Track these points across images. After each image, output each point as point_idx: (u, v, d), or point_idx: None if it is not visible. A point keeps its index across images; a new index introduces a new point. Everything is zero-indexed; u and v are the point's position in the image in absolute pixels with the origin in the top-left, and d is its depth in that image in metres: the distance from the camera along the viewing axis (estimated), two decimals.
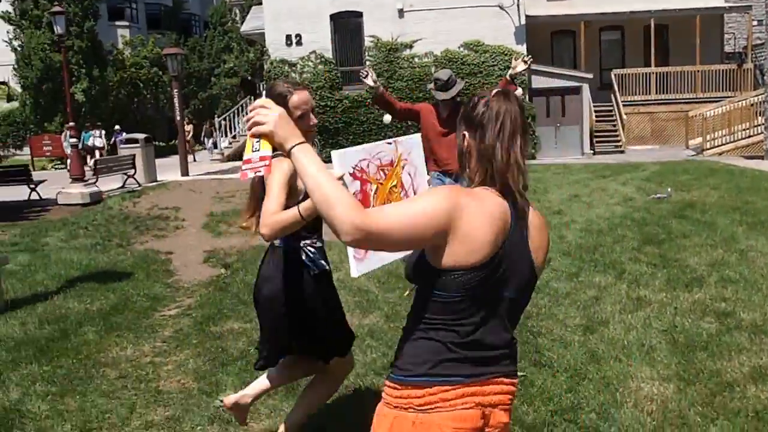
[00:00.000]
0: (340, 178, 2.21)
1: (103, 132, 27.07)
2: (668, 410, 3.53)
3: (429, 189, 2.21)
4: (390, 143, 2.72)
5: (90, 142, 26.31)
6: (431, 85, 6.01)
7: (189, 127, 25.25)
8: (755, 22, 25.78)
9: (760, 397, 3.58)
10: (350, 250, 2.26)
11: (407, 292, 5.56)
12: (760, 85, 23.03)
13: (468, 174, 1.96)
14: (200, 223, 10.40)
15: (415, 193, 2.69)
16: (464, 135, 1.95)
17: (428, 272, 1.80)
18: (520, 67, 5.73)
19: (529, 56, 5.96)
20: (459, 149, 1.99)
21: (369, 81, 5.73)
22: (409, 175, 2.77)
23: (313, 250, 3.03)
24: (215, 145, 29.46)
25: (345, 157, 2.51)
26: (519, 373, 3.93)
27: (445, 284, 1.78)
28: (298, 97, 2.90)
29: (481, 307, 1.80)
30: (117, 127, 27.93)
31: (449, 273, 1.76)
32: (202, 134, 30.40)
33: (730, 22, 28.36)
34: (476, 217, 1.75)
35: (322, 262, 3.06)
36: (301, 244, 2.99)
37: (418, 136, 2.79)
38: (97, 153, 25.39)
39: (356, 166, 2.59)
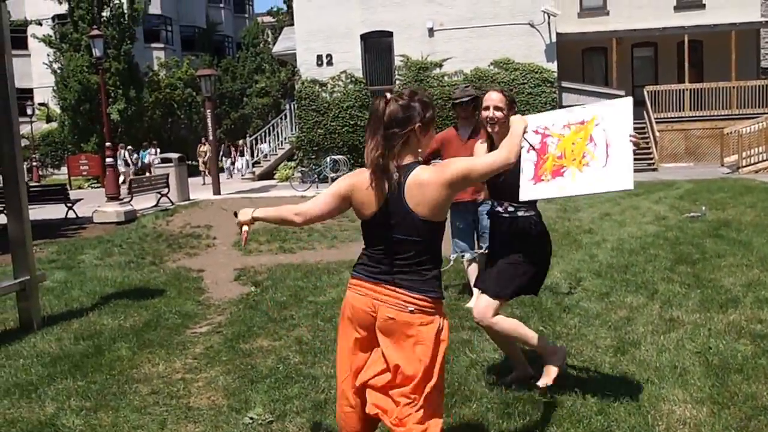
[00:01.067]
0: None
1: (157, 150, 27.63)
2: None
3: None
4: (584, 106, 3.43)
5: (147, 160, 26.95)
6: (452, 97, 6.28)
7: (205, 148, 25.40)
8: None
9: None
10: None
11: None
12: None
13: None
14: (231, 242, 10.51)
15: (607, 147, 3.30)
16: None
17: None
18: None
19: None
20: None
21: None
22: (604, 131, 3.34)
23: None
24: (233, 165, 29.70)
25: (535, 119, 3.45)
26: (548, 395, 3.92)
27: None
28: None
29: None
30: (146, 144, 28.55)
31: None
32: (220, 154, 29.75)
33: (767, 37, 27.99)
34: None
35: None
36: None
37: (627, 101, 3.36)
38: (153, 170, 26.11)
39: (540, 125, 3.45)
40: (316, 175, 20.74)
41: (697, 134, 23.50)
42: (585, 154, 3.32)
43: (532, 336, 3.92)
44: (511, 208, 4.04)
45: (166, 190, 16.49)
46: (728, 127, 22.02)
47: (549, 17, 21.84)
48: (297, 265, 8.30)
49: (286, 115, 26.74)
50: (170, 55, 40.61)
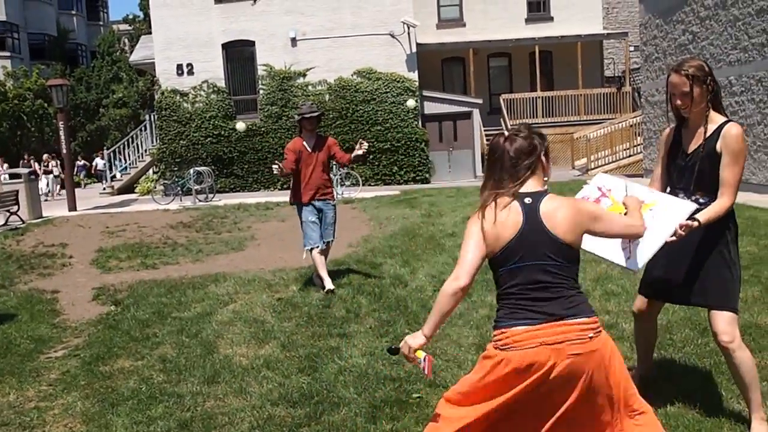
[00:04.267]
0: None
1: (5, 165, 25.92)
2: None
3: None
4: (653, 191, 3.48)
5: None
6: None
7: (50, 161, 24.28)
8: (632, 48, 27.43)
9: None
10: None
11: None
12: (638, 106, 24.44)
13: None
14: (89, 260, 10.03)
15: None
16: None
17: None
18: (360, 151, 6.97)
19: (365, 143, 7.06)
20: None
21: (274, 170, 6.84)
22: (653, 217, 3.32)
23: None
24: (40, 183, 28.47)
25: (601, 178, 3.58)
26: (414, 395, 4.02)
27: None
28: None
29: None
30: None
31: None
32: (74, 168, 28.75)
33: (609, 48, 30.07)
34: None
35: None
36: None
37: (688, 206, 3.36)
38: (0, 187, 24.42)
39: (605, 185, 3.54)
40: (179, 188, 20.15)
41: (549, 139, 24.66)
42: None
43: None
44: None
45: (15, 207, 15.46)
46: (577, 133, 23.45)
47: (409, 28, 22.39)
48: (160, 281, 8.03)
49: (146, 126, 25.83)
50: (17, 64, 38.23)
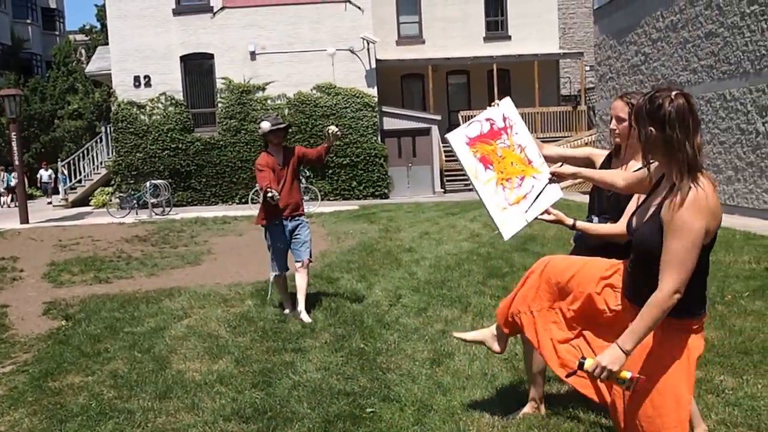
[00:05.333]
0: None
1: None
2: None
3: None
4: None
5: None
6: (265, 125, 6.52)
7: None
8: (587, 68, 27.99)
9: (590, 417, 3.84)
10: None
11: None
12: (593, 125, 24.92)
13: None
14: (40, 273, 9.83)
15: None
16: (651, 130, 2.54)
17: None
18: (331, 130, 6.45)
19: (337, 127, 6.60)
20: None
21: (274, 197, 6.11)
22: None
23: None
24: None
25: (510, 107, 3.44)
26: (368, 410, 4.03)
27: None
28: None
29: None
30: None
31: None
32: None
33: (565, 67, 30.63)
34: None
35: None
36: None
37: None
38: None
39: (510, 118, 3.44)
40: (135, 201, 19.88)
41: None
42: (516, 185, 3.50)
43: None
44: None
45: None
46: None
47: (368, 44, 22.53)
48: (113, 296, 7.91)
49: (101, 138, 25.45)
50: None
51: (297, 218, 6.50)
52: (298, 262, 6.50)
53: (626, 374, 2.60)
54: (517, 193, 3.43)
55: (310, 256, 6.58)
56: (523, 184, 3.47)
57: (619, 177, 3.16)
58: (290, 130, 21.87)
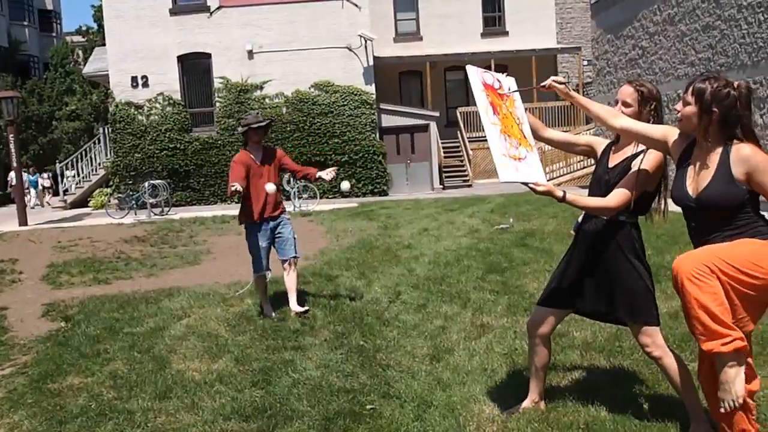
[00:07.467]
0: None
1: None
2: (508, 429, 3.70)
3: None
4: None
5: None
6: (245, 124, 6.40)
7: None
8: (585, 62, 27.97)
9: (590, 410, 3.84)
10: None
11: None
12: (591, 120, 24.89)
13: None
14: (39, 275, 9.83)
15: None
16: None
17: None
18: (328, 176, 6.29)
19: (334, 169, 6.47)
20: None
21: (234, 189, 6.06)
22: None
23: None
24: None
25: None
26: (368, 406, 4.03)
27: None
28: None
29: None
30: None
31: None
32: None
33: (563, 62, 30.61)
34: None
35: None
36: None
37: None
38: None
39: (509, 89, 3.68)
40: (134, 201, 19.86)
41: None
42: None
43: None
44: None
45: None
46: None
47: (366, 41, 22.50)
48: (112, 296, 7.90)
49: (99, 139, 25.44)
50: None
51: (278, 217, 6.45)
52: (285, 260, 6.48)
53: None
54: (515, 153, 3.43)
55: (296, 253, 6.53)
56: (519, 148, 3.47)
57: (613, 115, 3.38)
58: (287, 129, 21.99)
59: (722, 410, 2.94)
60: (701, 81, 3.03)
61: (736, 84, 2.99)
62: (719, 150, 3.00)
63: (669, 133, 3.25)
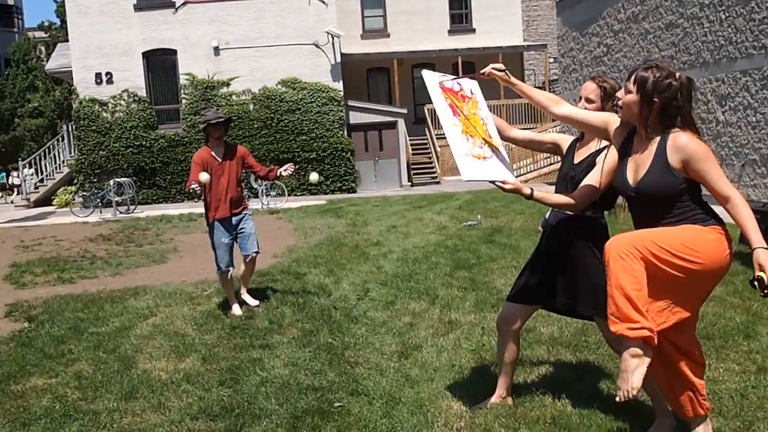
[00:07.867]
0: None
1: None
2: (475, 425, 3.74)
3: None
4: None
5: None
6: (204, 120, 6.47)
7: None
8: (551, 60, 28.22)
9: (557, 405, 3.89)
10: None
11: None
12: None
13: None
14: (2, 275, 9.64)
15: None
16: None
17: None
18: (286, 172, 6.48)
19: (291, 165, 6.58)
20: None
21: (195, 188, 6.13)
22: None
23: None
24: None
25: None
26: (336, 404, 4.03)
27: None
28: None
29: None
30: None
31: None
32: None
33: (530, 59, 30.85)
34: None
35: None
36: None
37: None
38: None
39: (473, 92, 3.68)
40: (99, 200, 19.58)
41: None
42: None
43: None
44: None
45: None
46: None
47: (333, 38, 22.45)
48: (77, 296, 7.78)
49: (63, 136, 25.03)
50: None
51: (240, 213, 6.51)
52: (246, 255, 6.55)
53: None
54: (479, 152, 3.44)
55: (258, 248, 6.61)
56: (483, 148, 3.49)
57: (555, 102, 3.45)
58: (255, 126, 21.85)
59: (618, 399, 2.90)
60: (644, 70, 3.02)
61: (677, 75, 3.00)
62: (657, 139, 3.02)
63: (610, 120, 3.27)
